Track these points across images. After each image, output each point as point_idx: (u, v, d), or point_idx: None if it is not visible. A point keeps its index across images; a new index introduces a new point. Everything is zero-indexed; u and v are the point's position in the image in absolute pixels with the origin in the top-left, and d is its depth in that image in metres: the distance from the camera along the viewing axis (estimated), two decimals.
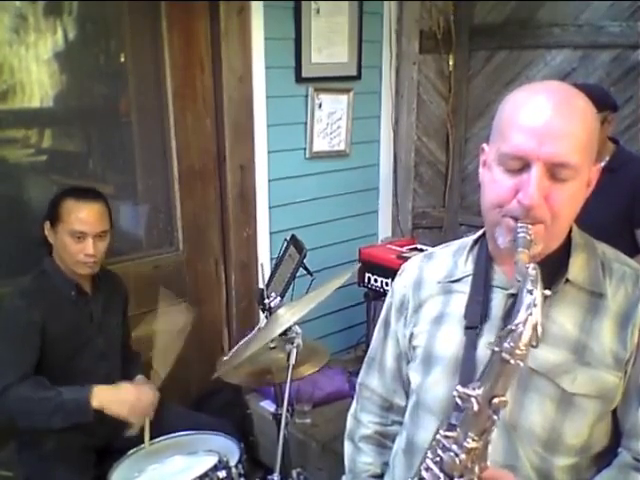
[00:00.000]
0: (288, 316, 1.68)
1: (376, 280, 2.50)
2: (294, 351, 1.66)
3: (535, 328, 0.84)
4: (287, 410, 1.64)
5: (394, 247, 2.66)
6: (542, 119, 0.94)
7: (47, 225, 1.91)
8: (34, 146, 2.33)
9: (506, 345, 0.85)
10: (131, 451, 1.82)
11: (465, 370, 1.04)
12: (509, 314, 1.00)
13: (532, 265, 0.89)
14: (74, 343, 1.95)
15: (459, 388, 0.89)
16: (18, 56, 2.15)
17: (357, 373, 2.96)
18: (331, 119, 2.89)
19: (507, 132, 0.98)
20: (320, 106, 2.83)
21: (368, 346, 3.18)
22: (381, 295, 2.52)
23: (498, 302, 1.07)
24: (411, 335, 1.17)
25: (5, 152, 2.23)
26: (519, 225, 0.95)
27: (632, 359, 1.00)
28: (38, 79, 2.21)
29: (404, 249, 2.62)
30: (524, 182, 0.95)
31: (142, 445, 1.85)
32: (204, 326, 2.73)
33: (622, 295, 1.03)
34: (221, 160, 2.62)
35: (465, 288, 1.12)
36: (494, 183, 0.99)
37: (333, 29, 2.79)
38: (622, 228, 2.28)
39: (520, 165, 0.96)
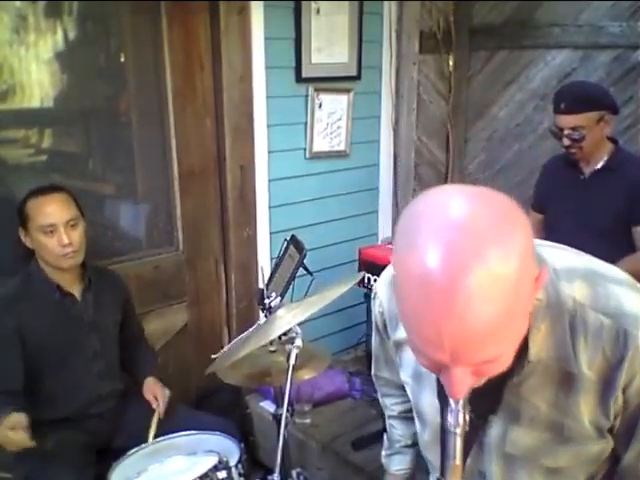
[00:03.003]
0: (288, 318, 1.67)
1: (376, 280, 2.49)
2: (294, 351, 1.66)
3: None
4: (287, 410, 1.64)
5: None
6: (449, 334, 0.73)
7: (22, 232, 1.93)
8: (34, 146, 2.33)
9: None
10: (131, 451, 1.81)
11: (443, 445, 1.00)
12: (473, 396, 0.93)
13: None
14: (63, 343, 1.96)
15: None
16: (18, 56, 2.15)
17: (357, 373, 2.97)
18: (331, 119, 2.89)
19: (407, 332, 0.81)
20: (320, 106, 2.82)
21: (368, 346, 3.15)
22: None
23: None
24: (398, 368, 1.16)
25: (5, 152, 2.24)
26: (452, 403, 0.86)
27: (620, 414, 0.91)
28: (38, 79, 2.21)
29: None
30: (445, 377, 0.80)
31: (143, 445, 1.85)
32: (204, 326, 2.74)
33: (600, 360, 0.87)
34: (221, 160, 2.62)
35: None
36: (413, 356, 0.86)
37: (333, 29, 2.79)
38: (621, 227, 2.28)
39: (437, 368, 0.81)
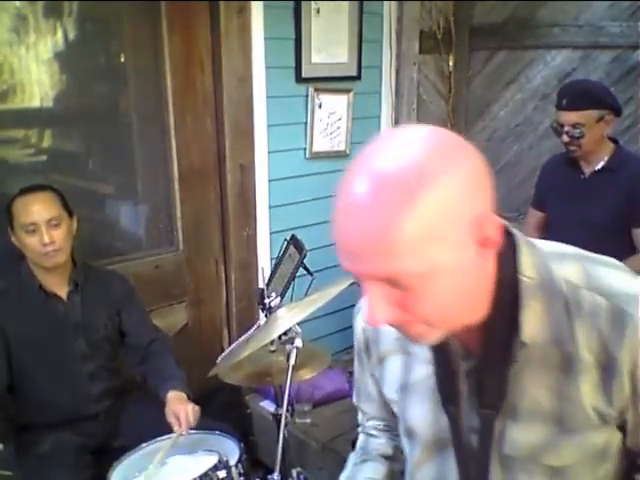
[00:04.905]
0: (288, 318, 1.67)
1: None
2: (294, 351, 1.66)
3: None
4: (287, 410, 1.64)
5: None
6: (344, 233, 0.75)
7: (10, 232, 1.93)
8: (34, 146, 2.33)
9: None
10: (131, 450, 1.81)
11: (461, 457, 0.96)
12: (479, 389, 0.91)
13: None
14: (48, 344, 1.95)
15: None
16: (18, 56, 2.15)
17: None
18: (331, 119, 2.89)
19: None
20: (320, 106, 2.82)
21: None
22: None
23: (463, 373, 0.94)
24: (381, 389, 1.10)
25: (5, 152, 2.24)
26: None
27: (631, 405, 0.86)
28: (38, 79, 2.21)
29: None
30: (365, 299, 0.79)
31: (143, 444, 1.84)
32: (204, 326, 2.74)
33: (596, 340, 0.83)
34: (221, 160, 2.62)
35: (423, 351, 0.97)
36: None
37: (333, 29, 2.79)
38: (621, 227, 2.29)
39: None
